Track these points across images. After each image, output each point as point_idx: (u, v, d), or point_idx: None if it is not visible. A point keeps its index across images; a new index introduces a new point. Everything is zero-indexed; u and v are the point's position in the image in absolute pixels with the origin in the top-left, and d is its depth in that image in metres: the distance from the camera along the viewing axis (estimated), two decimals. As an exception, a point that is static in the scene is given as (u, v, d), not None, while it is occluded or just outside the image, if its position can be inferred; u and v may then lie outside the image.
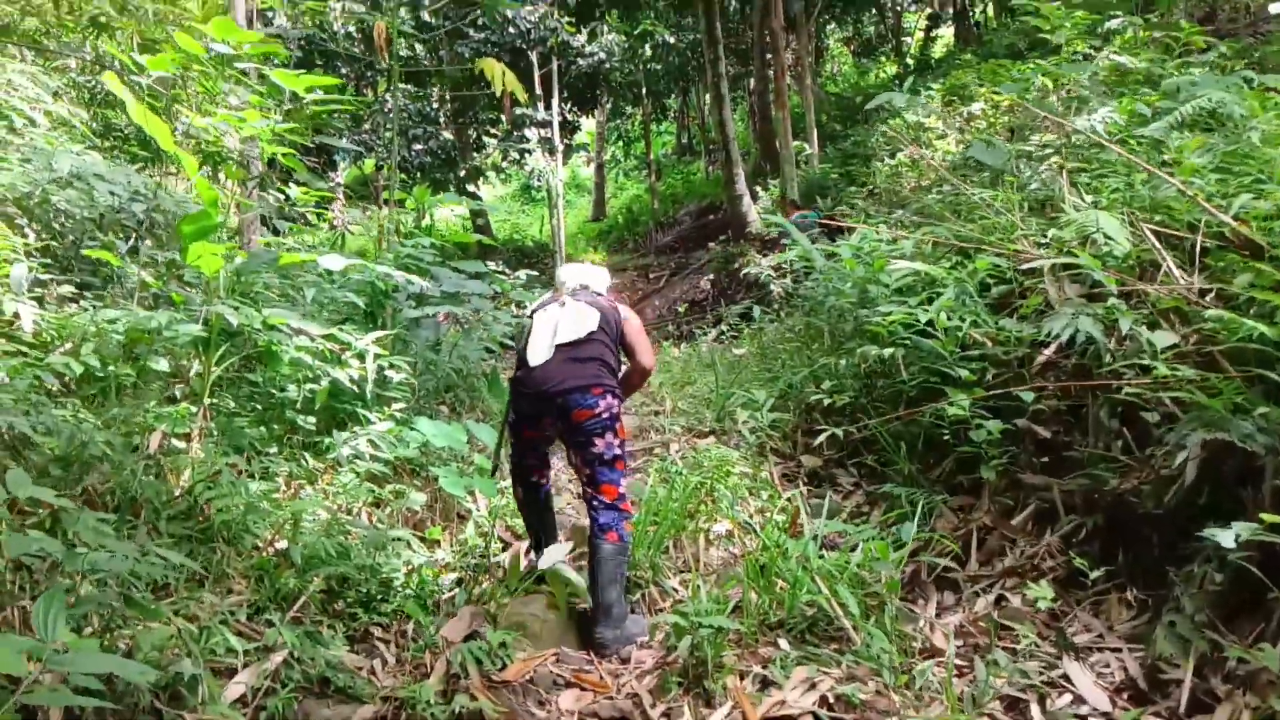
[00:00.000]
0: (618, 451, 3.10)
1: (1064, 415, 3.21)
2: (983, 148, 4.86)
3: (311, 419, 3.83)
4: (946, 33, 22.92)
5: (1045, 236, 3.76)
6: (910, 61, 20.77)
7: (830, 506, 3.96)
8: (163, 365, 3.67)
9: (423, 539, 3.75)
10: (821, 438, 3.88)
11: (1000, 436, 3.20)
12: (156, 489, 3.16)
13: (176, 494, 3.25)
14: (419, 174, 15.93)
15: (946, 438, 3.42)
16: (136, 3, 5.36)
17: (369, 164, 17.27)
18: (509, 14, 13.50)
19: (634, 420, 5.80)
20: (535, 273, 9.67)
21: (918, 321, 3.72)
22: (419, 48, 17.57)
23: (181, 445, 3.45)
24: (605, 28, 14.89)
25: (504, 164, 15.74)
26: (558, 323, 3.14)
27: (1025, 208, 4.18)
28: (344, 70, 14.95)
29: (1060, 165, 4.09)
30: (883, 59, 23.86)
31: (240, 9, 7.44)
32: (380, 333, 3.95)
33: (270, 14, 13.19)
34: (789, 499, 3.79)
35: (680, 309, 9.92)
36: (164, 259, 4.22)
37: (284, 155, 4.32)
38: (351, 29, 15.61)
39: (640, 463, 5.05)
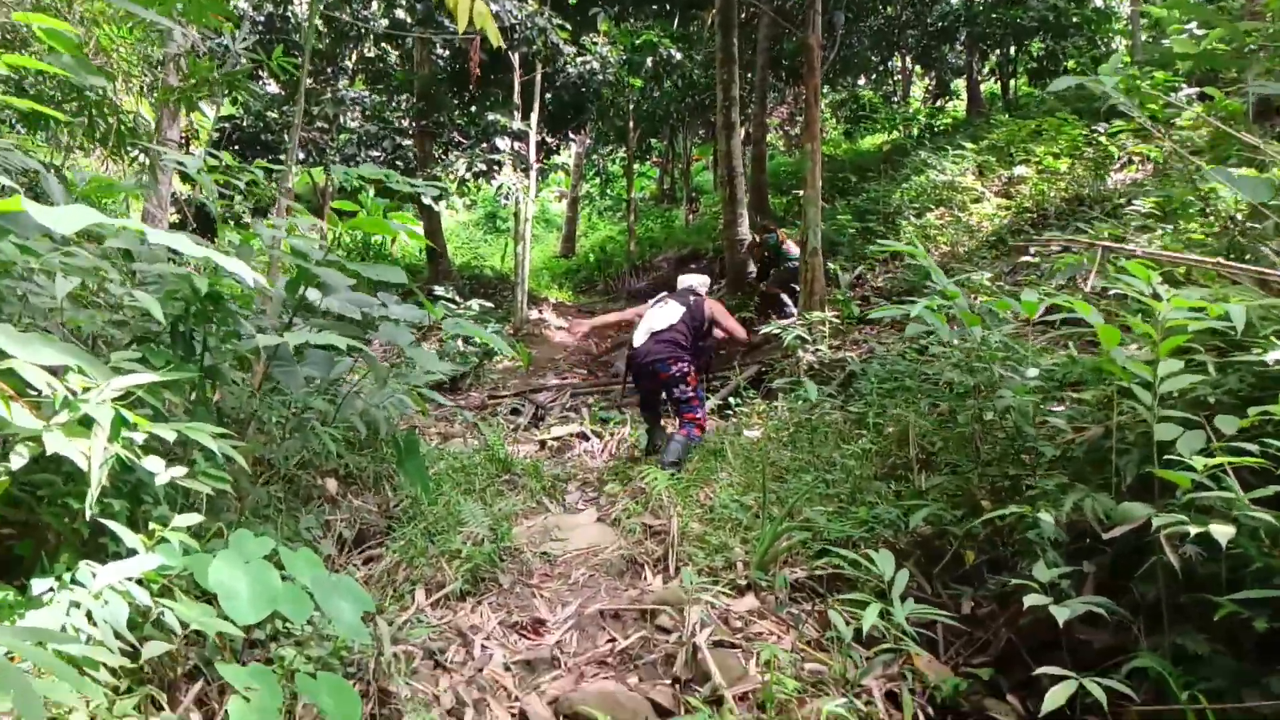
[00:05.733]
0: (691, 394, 5.38)
1: None
2: (1231, 174, 3.04)
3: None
4: (948, 103, 21.85)
5: None
6: (915, 130, 19.42)
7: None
8: None
9: None
10: (1062, 689, 1.85)
11: None
12: None
13: None
14: (372, 185, 13.89)
15: None
16: None
17: (318, 172, 15.15)
18: (492, 7, 11.65)
19: (618, 551, 3.74)
20: (490, 304, 7.61)
21: None
22: (391, 52, 15.69)
23: None
24: (601, 38, 13.08)
25: (468, 175, 13.65)
26: (654, 316, 5.60)
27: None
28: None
29: None
30: (878, 125, 22.64)
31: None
32: (142, 376, 1.88)
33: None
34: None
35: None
36: None
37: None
38: (320, 24, 13.85)
39: (638, 639, 2.99)
